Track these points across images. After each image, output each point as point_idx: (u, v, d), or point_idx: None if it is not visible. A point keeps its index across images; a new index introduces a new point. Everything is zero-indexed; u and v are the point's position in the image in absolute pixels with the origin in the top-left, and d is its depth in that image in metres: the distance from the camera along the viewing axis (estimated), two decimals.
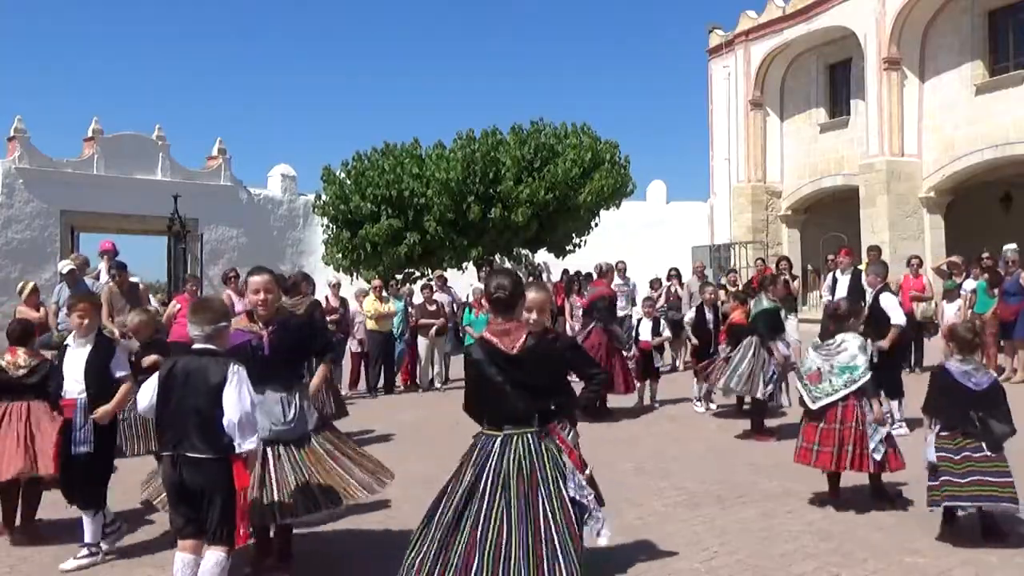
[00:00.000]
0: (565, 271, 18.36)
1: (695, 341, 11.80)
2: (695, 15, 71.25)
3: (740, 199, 24.89)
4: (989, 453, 5.31)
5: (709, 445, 8.66)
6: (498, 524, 3.85)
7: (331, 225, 21.49)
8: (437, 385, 13.82)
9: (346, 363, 13.20)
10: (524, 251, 22.22)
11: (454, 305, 14.91)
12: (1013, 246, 12.87)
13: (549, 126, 21.89)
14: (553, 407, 4.10)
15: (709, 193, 26.35)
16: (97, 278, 11.55)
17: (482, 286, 14.83)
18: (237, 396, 4.07)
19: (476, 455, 4.02)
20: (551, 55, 77.31)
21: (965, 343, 5.56)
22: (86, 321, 5.37)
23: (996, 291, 12.57)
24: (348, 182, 20.95)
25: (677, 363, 15.57)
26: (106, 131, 20.59)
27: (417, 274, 20.94)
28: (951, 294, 12.96)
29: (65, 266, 10.85)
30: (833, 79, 24.05)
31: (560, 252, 21.92)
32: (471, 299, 14.29)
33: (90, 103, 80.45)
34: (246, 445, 4.10)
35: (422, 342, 13.75)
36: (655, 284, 16.09)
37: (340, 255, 21.17)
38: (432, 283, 15.11)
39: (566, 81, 76.28)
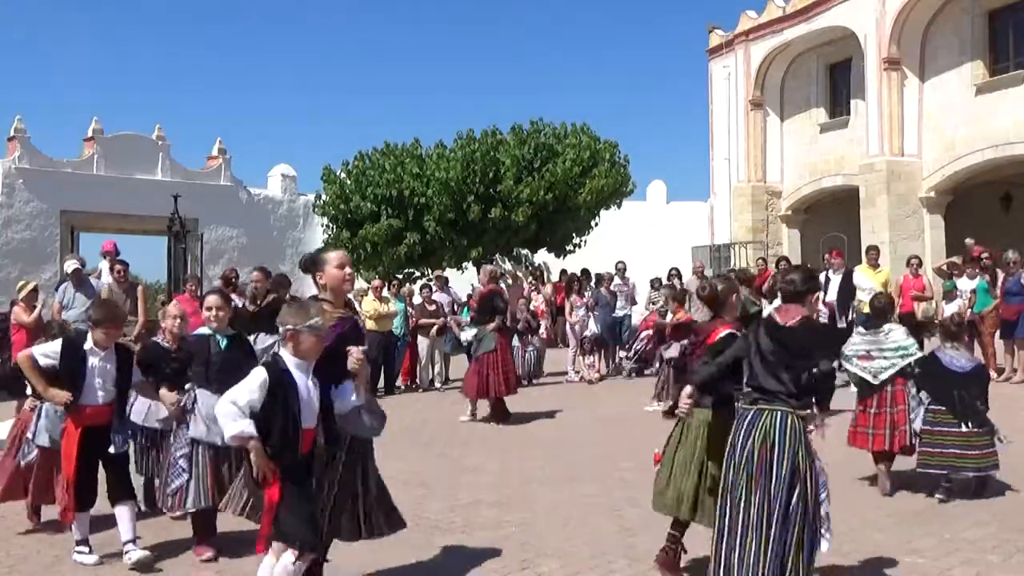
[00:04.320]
0: (564, 271, 18.37)
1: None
2: (695, 15, 71.22)
3: (740, 199, 24.87)
4: (967, 429, 6.30)
5: None
6: (744, 498, 4.14)
7: (331, 225, 21.49)
8: (437, 385, 13.83)
9: None
10: (524, 251, 22.23)
11: (454, 305, 14.92)
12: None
13: (549, 126, 21.89)
14: (814, 393, 4.30)
15: (709, 193, 26.34)
16: (98, 277, 11.55)
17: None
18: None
19: (736, 427, 4.30)
20: (551, 55, 77.29)
21: (948, 332, 6.84)
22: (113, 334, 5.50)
23: (998, 291, 12.59)
24: (348, 182, 20.96)
25: None
26: (106, 131, 20.58)
27: (417, 274, 20.94)
28: (950, 294, 12.96)
29: (71, 265, 10.81)
30: (833, 79, 24.02)
31: (560, 252, 21.92)
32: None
33: (90, 103, 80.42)
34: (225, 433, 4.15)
35: (422, 342, 13.76)
36: (656, 283, 16.09)
37: None
38: (432, 283, 15.12)
39: (566, 81, 76.24)
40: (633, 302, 16.06)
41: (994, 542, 5.35)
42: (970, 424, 6.29)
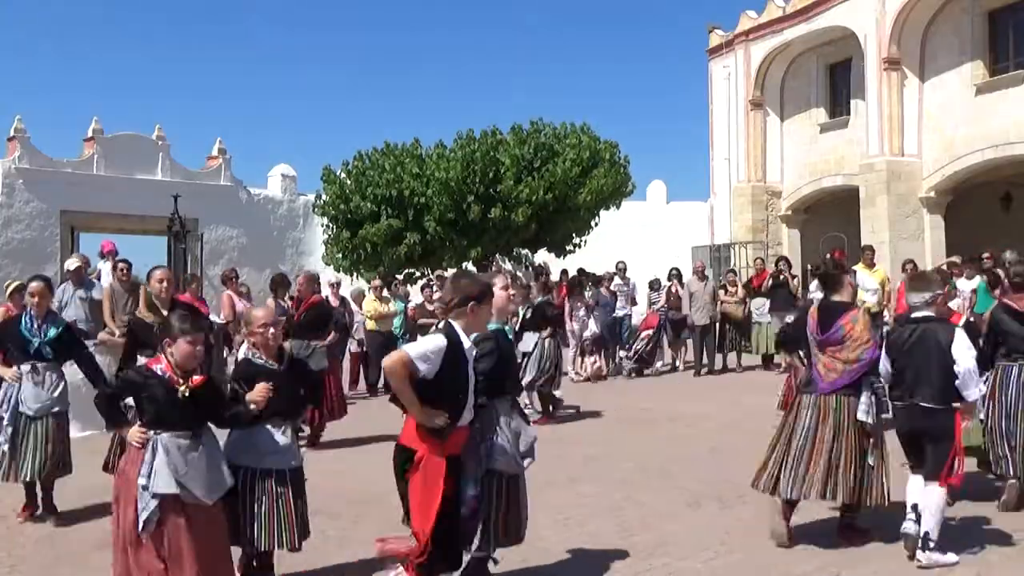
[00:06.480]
0: (564, 271, 18.37)
1: None
2: (695, 15, 71.17)
3: (740, 199, 24.86)
4: None
5: (710, 445, 8.67)
6: None
7: (331, 225, 21.48)
8: None
9: (346, 363, 13.22)
10: (524, 251, 22.22)
11: None
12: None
13: (549, 126, 21.88)
14: None
15: (709, 193, 26.34)
16: (98, 279, 11.50)
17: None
18: (965, 352, 4.98)
19: (1000, 379, 6.00)
20: (551, 55, 77.23)
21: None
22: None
23: (996, 292, 12.59)
24: (348, 182, 20.96)
25: (677, 363, 15.62)
26: (106, 131, 20.58)
27: (417, 274, 20.94)
28: (949, 295, 12.94)
29: (72, 263, 10.72)
30: (833, 79, 24.00)
31: (560, 252, 21.90)
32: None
33: (90, 103, 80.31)
34: (970, 396, 5.02)
35: None
36: (655, 284, 16.12)
37: (340, 255, 21.16)
38: (432, 283, 15.13)
39: (566, 81, 76.14)
40: (633, 302, 16.07)
41: (994, 542, 5.34)
42: None
